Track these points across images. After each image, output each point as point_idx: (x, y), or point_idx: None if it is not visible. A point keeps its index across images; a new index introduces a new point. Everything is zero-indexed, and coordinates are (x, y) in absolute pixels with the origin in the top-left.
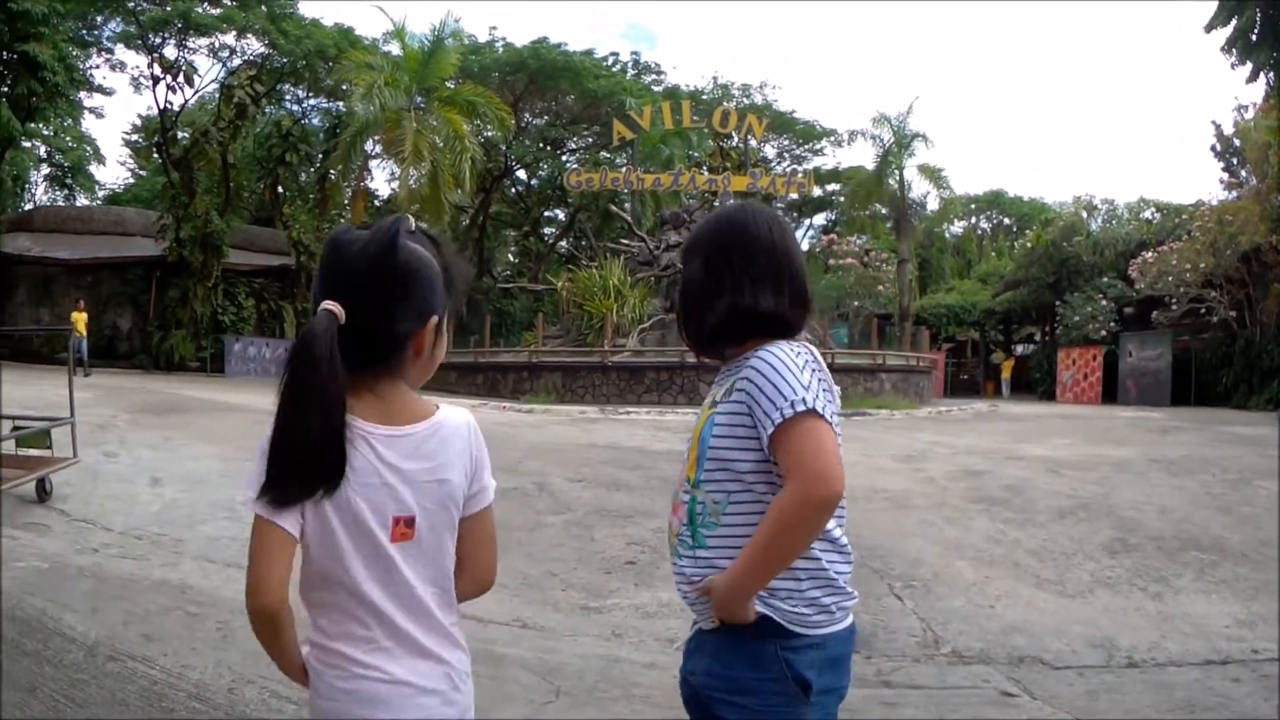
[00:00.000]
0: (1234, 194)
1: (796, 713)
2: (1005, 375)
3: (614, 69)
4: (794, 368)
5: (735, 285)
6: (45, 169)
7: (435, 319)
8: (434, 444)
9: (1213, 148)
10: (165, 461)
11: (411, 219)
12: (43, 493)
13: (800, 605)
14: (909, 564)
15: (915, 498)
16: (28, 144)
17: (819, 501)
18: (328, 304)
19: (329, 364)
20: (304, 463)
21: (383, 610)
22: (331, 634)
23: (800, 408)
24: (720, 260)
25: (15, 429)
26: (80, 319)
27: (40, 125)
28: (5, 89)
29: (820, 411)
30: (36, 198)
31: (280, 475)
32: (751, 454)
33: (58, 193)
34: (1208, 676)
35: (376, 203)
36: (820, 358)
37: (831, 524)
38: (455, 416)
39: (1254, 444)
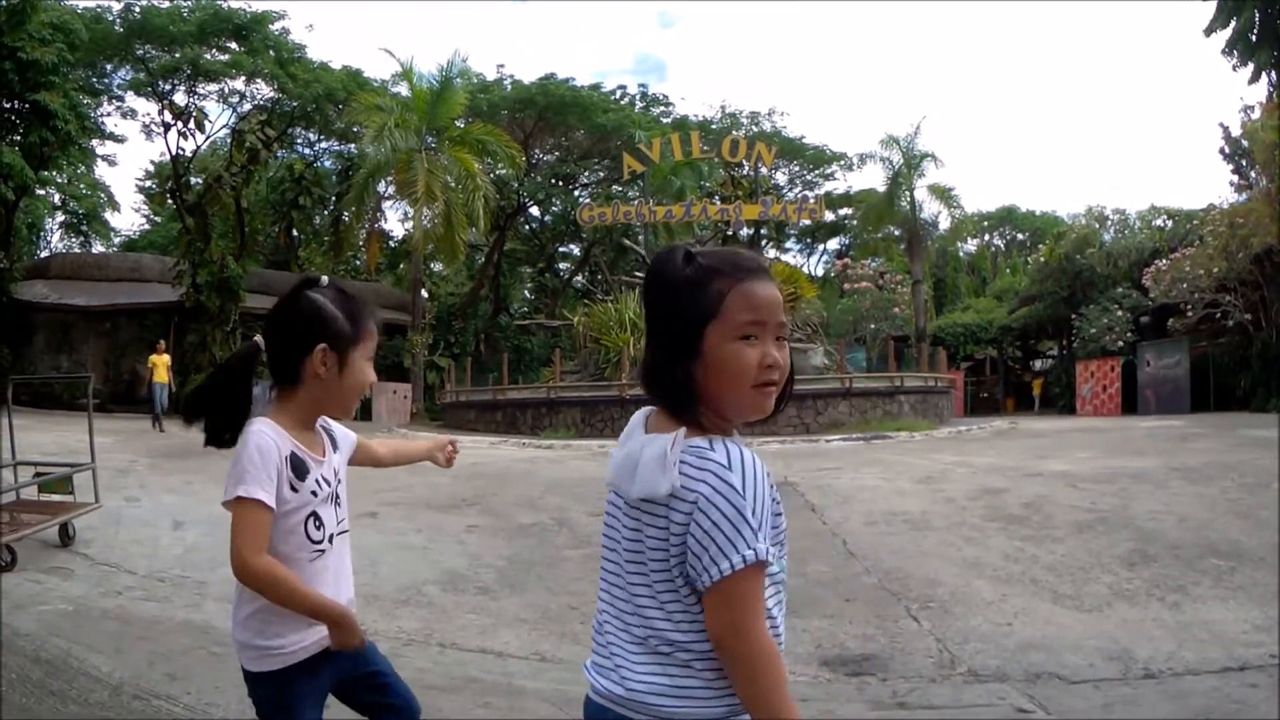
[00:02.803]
0: (1244, 196)
1: None
2: (1036, 392)
3: (622, 102)
4: None
5: None
6: (60, 216)
7: (322, 347)
8: None
9: (1221, 150)
10: (186, 505)
11: (323, 276)
12: (66, 537)
13: None
14: (926, 585)
15: (934, 519)
16: (42, 192)
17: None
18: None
19: (240, 376)
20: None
21: None
22: None
23: None
24: None
25: (37, 475)
26: (161, 362)
27: (54, 173)
28: (18, 138)
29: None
30: (52, 245)
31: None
32: None
33: (73, 240)
34: (1225, 683)
35: (391, 243)
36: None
37: None
38: (248, 431)
39: (1273, 447)
